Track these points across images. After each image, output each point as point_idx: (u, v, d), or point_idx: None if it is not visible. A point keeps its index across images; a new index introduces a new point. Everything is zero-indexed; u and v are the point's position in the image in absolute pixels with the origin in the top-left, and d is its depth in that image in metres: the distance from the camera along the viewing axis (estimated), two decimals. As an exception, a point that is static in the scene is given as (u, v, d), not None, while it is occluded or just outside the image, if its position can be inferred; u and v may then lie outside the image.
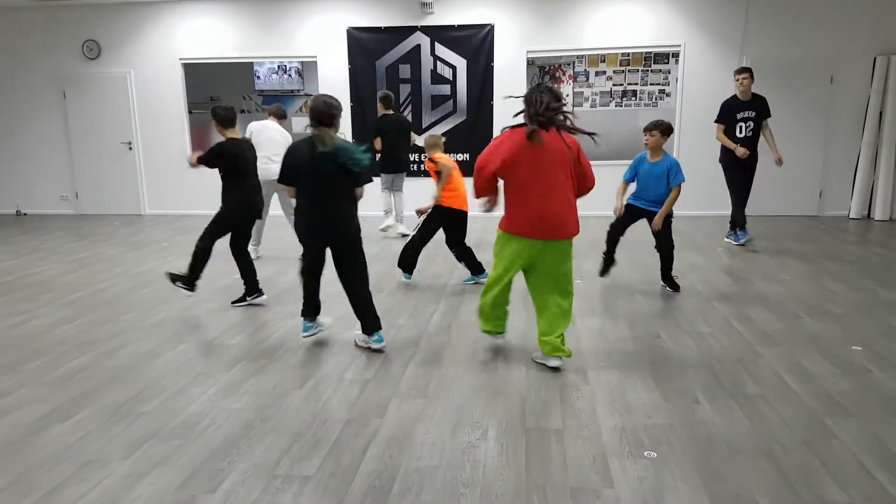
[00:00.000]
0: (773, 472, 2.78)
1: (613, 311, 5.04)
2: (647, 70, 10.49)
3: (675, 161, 5.41)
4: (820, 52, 9.03)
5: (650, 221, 5.52)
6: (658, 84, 10.47)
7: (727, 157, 7.25)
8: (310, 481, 2.76)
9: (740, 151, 7.03)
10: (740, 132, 7.15)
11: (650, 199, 5.52)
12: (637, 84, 10.55)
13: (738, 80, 7.11)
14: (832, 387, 3.64)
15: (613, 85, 10.64)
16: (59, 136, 10.49)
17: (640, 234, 8.12)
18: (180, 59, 10.05)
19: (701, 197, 9.10)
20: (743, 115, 7.13)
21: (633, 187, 5.67)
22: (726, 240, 7.60)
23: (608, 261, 5.87)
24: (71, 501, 2.63)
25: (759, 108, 7.13)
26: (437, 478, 2.78)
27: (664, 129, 5.40)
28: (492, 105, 9.58)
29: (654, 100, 10.54)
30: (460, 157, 9.83)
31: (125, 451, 3.03)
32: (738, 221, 7.38)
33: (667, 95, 10.39)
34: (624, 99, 10.64)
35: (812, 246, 7.32)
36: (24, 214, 10.66)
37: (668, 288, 5.68)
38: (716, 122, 7.31)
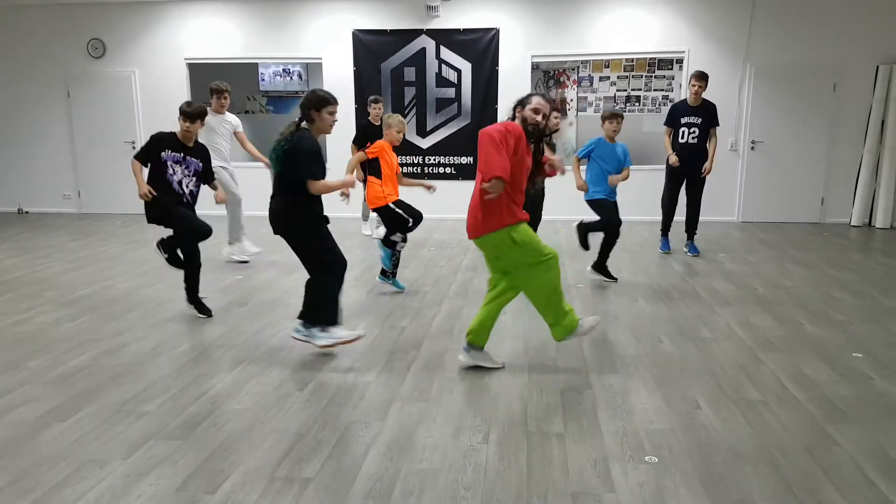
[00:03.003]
0: (773, 477, 2.78)
1: (616, 316, 5.04)
2: (651, 76, 10.51)
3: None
4: (823, 59, 9.04)
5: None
6: (662, 90, 10.48)
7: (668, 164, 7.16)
8: (310, 483, 2.76)
9: (672, 159, 7.00)
10: (682, 137, 7.07)
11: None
12: (641, 90, 10.57)
13: (692, 85, 6.99)
14: (833, 393, 3.64)
15: (617, 90, 10.67)
16: (62, 134, 10.49)
17: (644, 237, 8.12)
18: (185, 59, 10.07)
19: (704, 204, 9.07)
20: (688, 120, 7.05)
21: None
22: (683, 249, 7.39)
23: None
24: (71, 501, 2.63)
25: (706, 115, 7.03)
26: (438, 481, 2.78)
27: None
28: (496, 109, 9.58)
29: (657, 105, 10.55)
30: (464, 160, 9.84)
31: (126, 451, 3.03)
32: (665, 227, 7.32)
33: (670, 101, 10.40)
34: (628, 104, 10.65)
35: (814, 253, 7.32)
36: (26, 213, 10.67)
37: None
38: (664, 124, 7.27)
